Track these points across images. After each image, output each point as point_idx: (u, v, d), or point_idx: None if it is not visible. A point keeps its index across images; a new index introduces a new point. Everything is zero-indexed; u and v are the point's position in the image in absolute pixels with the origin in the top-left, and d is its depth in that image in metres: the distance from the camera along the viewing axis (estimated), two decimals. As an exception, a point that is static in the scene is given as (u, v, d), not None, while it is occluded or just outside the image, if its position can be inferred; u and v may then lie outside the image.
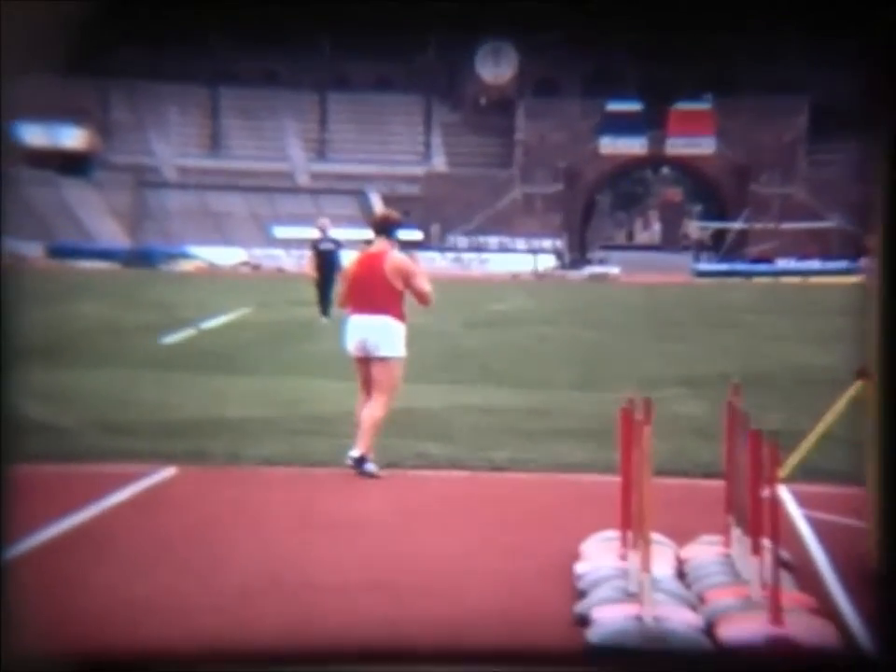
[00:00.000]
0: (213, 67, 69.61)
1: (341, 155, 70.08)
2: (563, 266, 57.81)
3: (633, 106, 70.18)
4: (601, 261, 60.56)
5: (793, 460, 8.06)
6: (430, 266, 58.91)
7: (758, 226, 64.26)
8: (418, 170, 68.87)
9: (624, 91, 69.84)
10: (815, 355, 17.53)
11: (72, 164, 68.11)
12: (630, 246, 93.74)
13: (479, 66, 73.05)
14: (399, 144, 71.61)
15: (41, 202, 64.94)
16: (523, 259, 57.50)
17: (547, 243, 62.00)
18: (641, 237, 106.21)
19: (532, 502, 8.29)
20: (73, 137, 70.01)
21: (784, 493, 8.46)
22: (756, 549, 5.62)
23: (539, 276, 51.77)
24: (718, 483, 7.16)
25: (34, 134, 69.06)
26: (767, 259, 58.53)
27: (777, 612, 5.26)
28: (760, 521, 5.61)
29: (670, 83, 69.33)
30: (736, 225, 65.00)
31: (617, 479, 6.33)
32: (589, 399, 12.75)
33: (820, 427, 7.77)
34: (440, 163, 70.43)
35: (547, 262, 57.44)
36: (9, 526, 4.34)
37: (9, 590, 4.16)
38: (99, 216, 65.58)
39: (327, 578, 6.18)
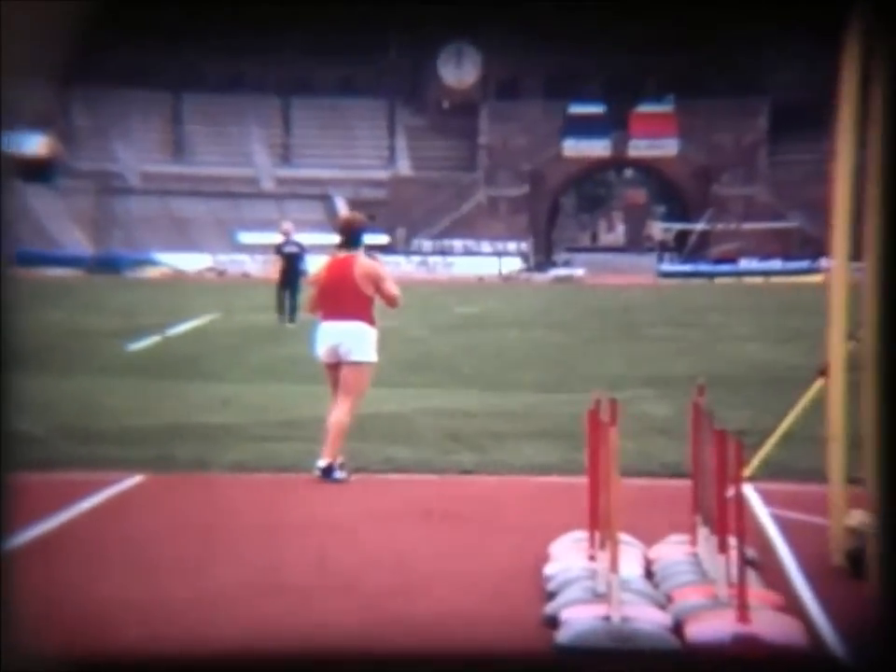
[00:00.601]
0: (176, 73, 69.38)
1: (305, 160, 69.96)
2: (528, 269, 57.94)
3: (595, 109, 70.46)
4: (566, 263, 60.78)
5: (757, 459, 8.11)
6: (396, 270, 58.88)
7: (720, 226, 64.64)
8: (383, 174, 68.84)
9: (587, 94, 70.14)
10: (778, 354, 17.66)
11: (35, 171, 67.71)
12: (594, 248, 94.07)
13: (441, 70, 73.12)
14: (364, 148, 71.54)
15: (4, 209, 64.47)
16: (488, 263, 57.61)
17: (512, 245, 62.12)
18: (605, 239, 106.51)
19: (500, 504, 8.30)
20: (36, 144, 69.59)
21: (749, 491, 8.54)
22: (722, 547, 5.64)
23: (505, 279, 51.89)
24: (684, 483, 7.22)
25: (-4, 142, 68.66)
26: (730, 260, 58.89)
27: (743, 610, 5.29)
28: (725, 520, 5.64)
29: (632, 85, 69.67)
30: (699, 226, 65.35)
31: (585, 480, 6.41)
32: (556, 401, 12.79)
33: (784, 426, 7.81)
34: (404, 167, 70.42)
35: (512, 265, 57.56)
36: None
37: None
38: (63, 222, 65.21)
39: (296, 580, 6.18)
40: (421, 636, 5.42)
